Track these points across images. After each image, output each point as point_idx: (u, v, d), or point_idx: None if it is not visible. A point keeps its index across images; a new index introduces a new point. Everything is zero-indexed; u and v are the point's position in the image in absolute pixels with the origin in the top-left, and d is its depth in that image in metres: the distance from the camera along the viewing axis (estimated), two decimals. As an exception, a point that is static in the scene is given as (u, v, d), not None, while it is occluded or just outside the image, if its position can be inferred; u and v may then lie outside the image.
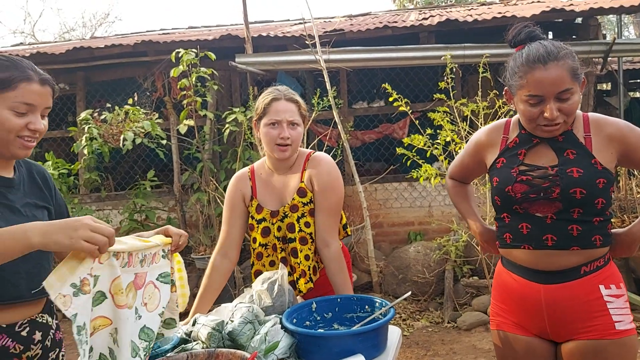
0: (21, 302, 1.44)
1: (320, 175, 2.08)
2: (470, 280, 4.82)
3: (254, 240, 2.13)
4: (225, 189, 5.62)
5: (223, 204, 5.25)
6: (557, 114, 1.58)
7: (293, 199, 2.09)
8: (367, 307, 1.90)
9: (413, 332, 4.38)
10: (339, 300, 1.95)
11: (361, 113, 6.62)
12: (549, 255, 1.66)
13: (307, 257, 2.08)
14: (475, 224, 1.96)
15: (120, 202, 6.24)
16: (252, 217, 2.13)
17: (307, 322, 1.86)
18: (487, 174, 1.86)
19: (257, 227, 2.11)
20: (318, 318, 1.90)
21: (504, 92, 1.76)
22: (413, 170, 4.65)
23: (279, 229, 2.09)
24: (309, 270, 2.07)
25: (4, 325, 1.40)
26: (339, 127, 5.34)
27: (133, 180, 6.27)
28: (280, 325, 1.71)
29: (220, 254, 2.16)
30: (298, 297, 2.03)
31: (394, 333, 1.85)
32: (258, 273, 2.11)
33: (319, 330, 1.84)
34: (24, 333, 1.45)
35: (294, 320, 1.76)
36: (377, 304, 1.88)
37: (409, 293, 1.93)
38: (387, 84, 4.68)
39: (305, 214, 2.07)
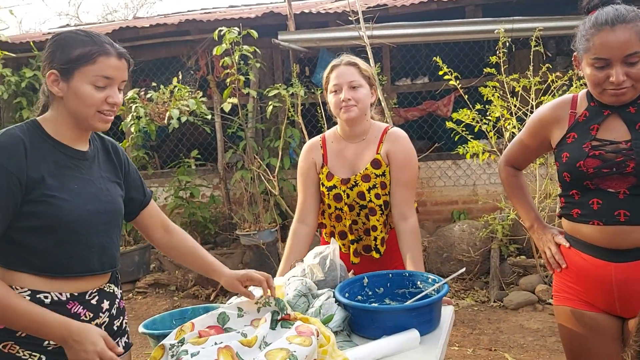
0: (92, 274, 1.49)
1: (399, 150, 2.12)
2: (518, 260, 4.74)
3: (329, 206, 2.18)
4: (268, 166, 5.68)
5: (266, 182, 5.36)
6: (623, 79, 1.52)
7: (366, 168, 2.12)
8: (419, 283, 1.89)
9: (458, 310, 4.35)
10: (390, 275, 1.94)
11: (404, 90, 6.51)
12: (621, 232, 1.60)
13: (374, 228, 2.12)
14: (532, 220, 1.91)
15: (166, 180, 6.35)
16: (323, 185, 2.17)
17: (359, 297, 1.86)
18: (554, 151, 1.79)
19: (329, 194, 2.15)
20: (370, 293, 1.90)
21: (572, 58, 1.70)
22: (459, 146, 4.56)
23: (348, 196, 2.12)
24: (374, 240, 2.12)
25: (76, 294, 1.46)
26: (382, 104, 5.27)
27: (178, 158, 6.38)
28: (333, 299, 1.71)
29: (299, 221, 2.23)
30: (350, 273, 2.03)
31: (447, 310, 1.83)
32: (342, 234, 2.19)
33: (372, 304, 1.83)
34: (93, 301, 1.49)
35: (346, 295, 1.77)
36: (429, 280, 1.86)
37: (464, 269, 1.90)
38: (437, 57, 4.57)
39: (377, 186, 2.10)
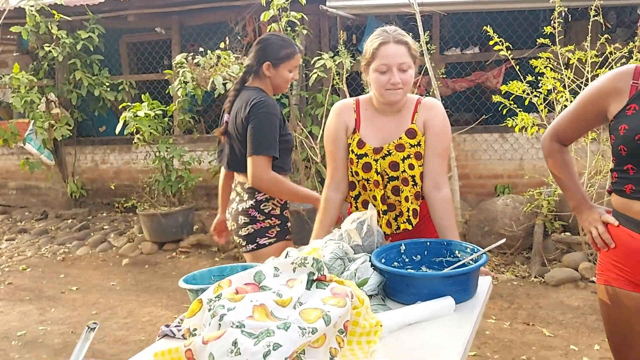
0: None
1: (435, 119, 2.05)
2: (562, 236, 4.63)
3: (356, 173, 2.10)
4: (310, 134, 5.69)
5: (308, 149, 5.38)
6: None
7: (400, 138, 2.04)
8: (457, 252, 1.88)
9: (497, 284, 4.31)
10: (428, 244, 1.93)
11: (453, 60, 6.36)
12: None
13: (406, 199, 2.06)
14: (578, 200, 1.84)
15: (211, 144, 6.47)
16: (352, 152, 2.09)
17: (395, 264, 1.86)
18: (610, 123, 1.70)
19: (358, 162, 2.07)
20: (406, 260, 1.90)
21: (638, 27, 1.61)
22: (508, 118, 4.44)
23: (380, 166, 2.06)
24: (407, 211, 2.07)
25: None
26: (429, 74, 5.17)
27: (223, 124, 6.45)
28: (369, 264, 1.72)
29: (331, 188, 2.16)
30: (387, 240, 2.03)
31: (484, 280, 1.81)
32: (365, 203, 2.13)
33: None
34: None
35: (383, 261, 1.77)
36: (468, 250, 1.85)
37: (504, 240, 1.87)
38: (488, 26, 4.41)
39: (411, 156, 2.03)
